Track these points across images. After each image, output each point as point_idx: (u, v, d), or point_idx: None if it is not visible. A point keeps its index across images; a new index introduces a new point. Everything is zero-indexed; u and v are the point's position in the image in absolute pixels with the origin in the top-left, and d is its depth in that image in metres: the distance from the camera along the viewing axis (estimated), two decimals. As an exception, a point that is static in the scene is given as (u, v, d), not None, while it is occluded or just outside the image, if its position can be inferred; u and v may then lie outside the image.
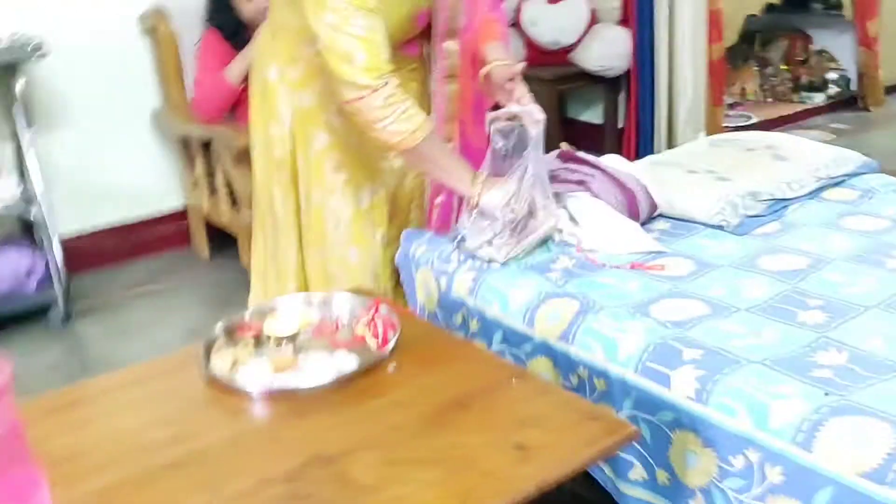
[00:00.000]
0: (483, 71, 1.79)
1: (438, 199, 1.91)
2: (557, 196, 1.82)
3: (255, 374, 1.30)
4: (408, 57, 1.87)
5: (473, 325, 1.66)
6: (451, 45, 1.83)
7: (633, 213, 1.82)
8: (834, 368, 1.28)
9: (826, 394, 1.21)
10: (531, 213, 1.67)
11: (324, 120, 1.82)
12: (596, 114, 4.11)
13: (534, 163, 1.66)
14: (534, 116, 1.69)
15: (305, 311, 1.45)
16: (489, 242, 1.66)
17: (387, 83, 1.62)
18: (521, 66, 1.76)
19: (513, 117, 1.71)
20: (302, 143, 1.85)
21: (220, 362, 1.33)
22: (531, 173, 1.65)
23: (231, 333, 1.40)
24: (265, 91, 1.87)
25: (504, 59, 1.77)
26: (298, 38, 1.76)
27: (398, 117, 1.63)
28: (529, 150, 1.66)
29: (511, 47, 1.90)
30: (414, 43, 1.86)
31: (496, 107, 1.78)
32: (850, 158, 2.09)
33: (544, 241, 1.72)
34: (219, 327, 1.40)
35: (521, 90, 1.74)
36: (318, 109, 1.82)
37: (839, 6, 4.36)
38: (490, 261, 1.67)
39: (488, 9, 1.86)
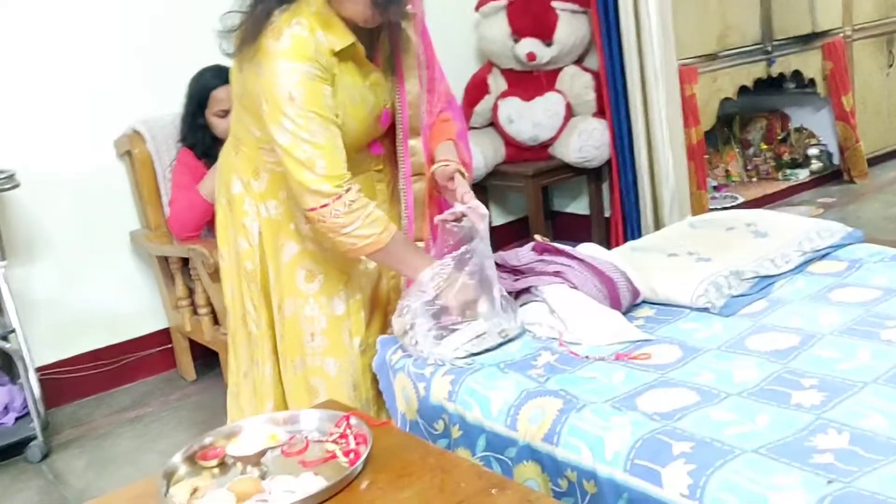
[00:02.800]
0: (428, 172, 1.79)
1: None
2: (534, 289, 1.77)
3: None
4: (374, 157, 1.86)
5: (455, 432, 1.57)
6: (416, 144, 1.81)
7: (614, 302, 1.76)
8: (835, 452, 1.19)
9: (829, 482, 1.12)
10: (465, 307, 1.64)
11: (292, 229, 1.79)
12: (581, 205, 4.10)
13: (478, 255, 1.63)
14: (478, 212, 1.69)
15: (272, 430, 1.37)
16: (410, 327, 1.64)
17: (349, 189, 1.62)
18: (454, 166, 1.76)
19: (459, 217, 1.70)
20: (271, 254, 1.82)
21: (180, 493, 1.24)
22: (473, 262, 1.63)
23: (193, 460, 1.32)
24: (231, 205, 1.85)
25: (447, 160, 1.77)
26: (259, 150, 1.75)
27: (364, 222, 1.63)
28: (475, 243, 1.65)
29: (467, 142, 1.91)
30: (378, 143, 1.85)
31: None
32: (834, 230, 2.05)
33: (486, 348, 1.66)
34: (178, 455, 1.32)
35: (463, 188, 1.74)
36: (285, 219, 1.79)
37: (812, 84, 4.41)
38: (417, 353, 1.66)
39: (443, 106, 1.85)
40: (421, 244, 1.83)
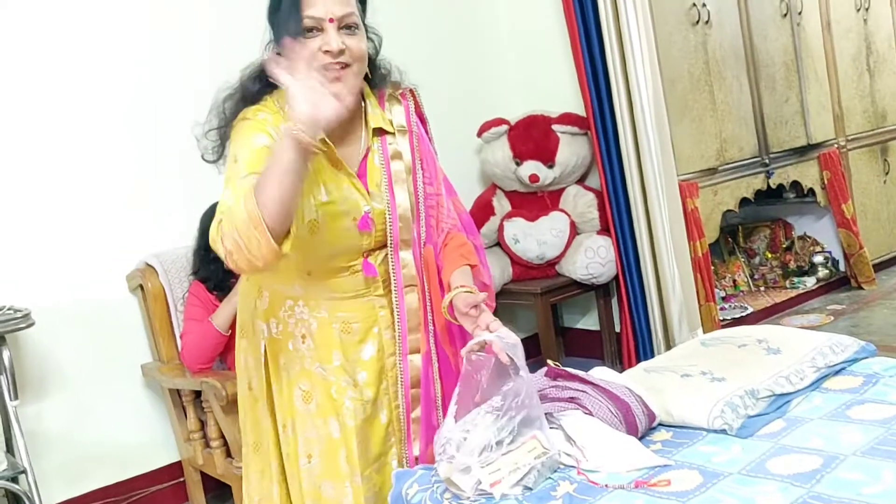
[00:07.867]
0: (445, 300, 1.75)
1: (415, 414, 1.82)
2: (550, 415, 1.76)
3: None
4: (370, 280, 1.81)
5: (475, 569, 1.53)
6: (406, 255, 1.81)
7: (630, 427, 1.74)
8: (868, 584, 1.15)
9: None
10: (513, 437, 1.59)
11: (290, 349, 1.81)
12: (591, 320, 4.11)
13: (526, 386, 1.61)
14: (508, 341, 1.64)
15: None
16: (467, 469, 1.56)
17: None
18: (482, 296, 1.72)
19: (483, 346, 1.65)
20: (275, 372, 1.83)
21: None
22: (522, 396, 1.60)
23: None
24: (251, 327, 1.88)
25: (467, 287, 1.74)
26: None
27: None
28: (520, 376, 1.61)
29: (485, 263, 1.90)
30: (370, 264, 1.80)
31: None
32: (846, 344, 2.04)
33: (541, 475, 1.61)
34: None
35: (487, 317, 1.70)
36: (284, 338, 1.81)
37: (812, 193, 4.48)
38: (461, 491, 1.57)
39: (453, 223, 1.87)
40: (417, 356, 1.82)
